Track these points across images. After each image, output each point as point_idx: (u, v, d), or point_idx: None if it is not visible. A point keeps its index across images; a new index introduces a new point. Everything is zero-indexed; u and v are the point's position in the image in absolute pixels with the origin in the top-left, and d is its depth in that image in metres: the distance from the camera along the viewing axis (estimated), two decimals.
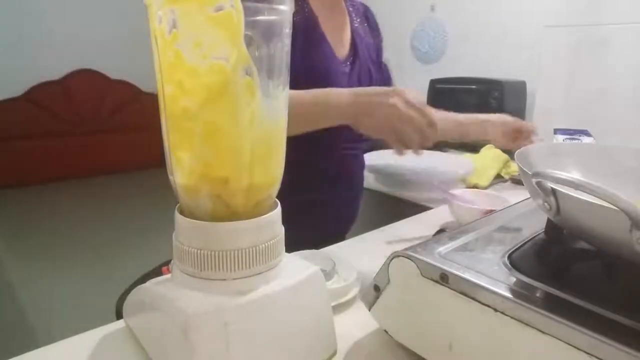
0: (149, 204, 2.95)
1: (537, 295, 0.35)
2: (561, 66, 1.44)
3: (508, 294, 0.34)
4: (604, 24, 1.36)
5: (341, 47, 0.90)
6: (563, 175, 0.33)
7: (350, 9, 0.97)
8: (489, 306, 0.35)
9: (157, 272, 0.85)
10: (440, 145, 1.56)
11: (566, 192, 0.35)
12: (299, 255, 0.52)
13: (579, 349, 0.30)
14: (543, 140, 1.08)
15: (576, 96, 1.40)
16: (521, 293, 0.34)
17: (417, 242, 0.44)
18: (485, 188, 1.05)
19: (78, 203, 3.17)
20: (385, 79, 1.04)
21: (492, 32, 2.17)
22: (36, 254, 2.40)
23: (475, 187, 1.05)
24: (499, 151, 1.19)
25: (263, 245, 0.37)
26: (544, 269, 0.40)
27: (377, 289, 0.43)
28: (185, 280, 0.37)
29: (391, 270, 0.42)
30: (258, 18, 0.35)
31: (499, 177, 1.13)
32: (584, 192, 0.32)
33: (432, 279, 0.39)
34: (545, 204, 0.37)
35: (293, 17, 0.38)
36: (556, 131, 1.30)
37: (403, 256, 0.41)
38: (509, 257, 0.41)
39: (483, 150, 1.24)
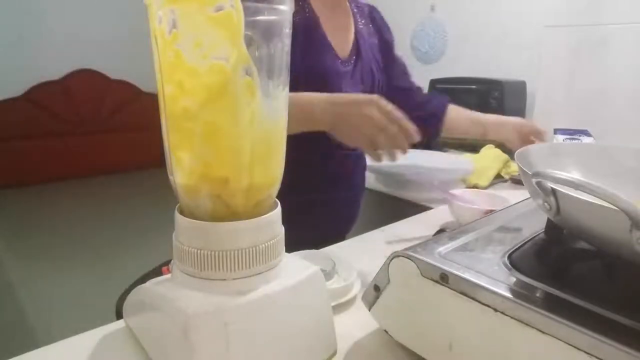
0: (149, 204, 2.95)
1: (537, 295, 0.35)
2: (561, 66, 1.44)
3: (508, 294, 0.34)
4: (604, 24, 1.35)
5: (343, 47, 0.90)
6: (563, 175, 0.33)
7: (355, 10, 0.98)
8: (489, 306, 0.35)
9: (157, 272, 0.85)
10: (440, 145, 1.56)
11: (566, 192, 0.35)
12: (299, 255, 0.52)
13: (579, 349, 0.30)
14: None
15: (576, 96, 1.40)
16: (521, 293, 0.34)
17: (417, 242, 0.44)
18: (485, 188, 1.05)
19: (78, 203, 3.17)
20: (398, 73, 1.05)
21: (492, 32, 2.17)
22: (36, 254, 2.40)
23: (475, 187, 1.05)
24: (499, 151, 1.19)
25: (263, 245, 0.37)
26: (544, 269, 0.40)
27: (377, 289, 0.43)
28: (185, 280, 0.37)
29: (391, 270, 0.42)
30: (258, 18, 0.35)
31: (499, 177, 1.13)
32: (584, 192, 0.32)
33: (432, 279, 0.39)
34: (545, 204, 0.37)
35: (293, 17, 0.38)
36: (556, 131, 1.30)
37: (403, 256, 0.41)
38: (509, 257, 0.41)
39: (483, 150, 1.24)
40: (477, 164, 1.13)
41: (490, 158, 1.16)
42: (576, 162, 0.53)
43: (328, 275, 0.54)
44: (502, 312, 0.34)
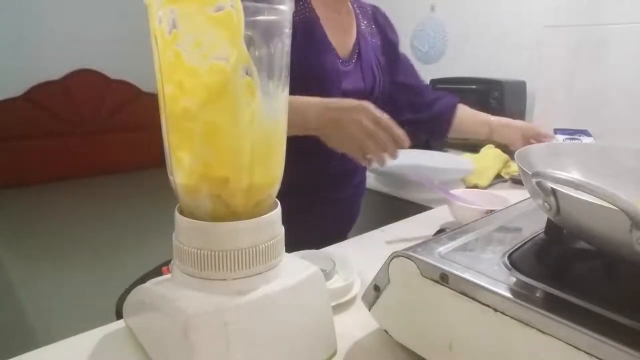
0: (149, 204, 2.95)
1: (537, 295, 0.35)
2: (561, 66, 1.44)
3: (508, 294, 0.34)
4: (604, 24, 1.35)
5: (344, 47, 0.91)
6: (563, 175, 0.33)
7: (358, 10, 0.98)
8: (489, 306, 0.35)
9: (157, 272, 0.85)
10: (440, 145, 1.56)
11: (566, 192, 0.35)
12: (299, 255, 0.52)
13: (579, 349, 0.30)
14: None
15: (576, 96, 1.40)
16: (521, 293, 0.34)
17: (417, 242, 0.44)
18: (485, 188, 1.05)
19: (78, 203, 3.17)
20: (404, 71, 1.06)
21: (492, 32, 2.17)
22: (36, 254, 2.40)
23: (475, 187, 1.05)
24: (499, 151, 1.19)
25: (263, 245, 0.37)
26: (544, 269, 0.40)
27: (377, 289, 0.43)
28: (185, 280, 0.37)
29: (391, 270, 0.42)
30: (258, 18, 0.35)
31: (499, 177, 1.13)
32: (584, 192, 0.32)
33: (432, 279, 0.39)
34: (545, 204, 0.37)
35: (293, 17, 0.38)
36: (556, 131, 1.30)
37: (403, 256, 0.41)
38: (509, 257, 0.41)
39: (483, 150, 1.24)
40: (477, 164, 1.13)
41: (490, 158, 1.16)
42: (576, 162, 0.53)
43: (328, 275, 0.54)
44: (502, 312, 0.34)
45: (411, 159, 1.21)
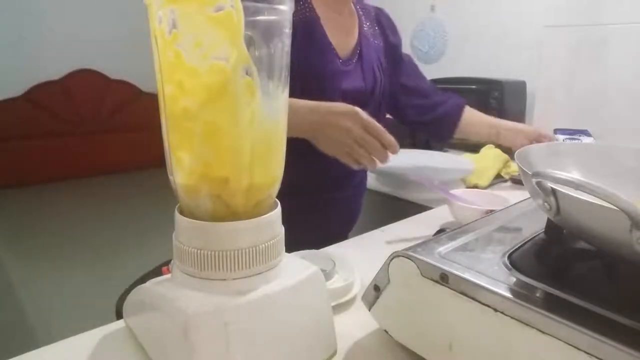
0: (149, 204, 2.95)
1: (537, 295, 0.35)
2: (561, 66, 1.43)
3: (508, 294, 0.34)
4: (604, 24, 1.35)
5: (345, 47, 0.91)
6: (563, 175, 0.33)
7: (361, 12, 0.98)
8: (489, 306, 0.35)
9: (157, 272, 0.85)
10: (440, 145, 1.56)
11: (566, 192, 0.35)
12: (299, 255, 0.52)
13: (579, 349, 0.30)
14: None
15: (576, 96, 1.40)
16: (521, 293, 0.34)
17: (417, 242, 0.44)
18: (485, 188, 1.04)
19: (78, 203, 3.17)
20: (407, 73, 1.06)
21: (492, 32, 2.17)
22: (36, 254, 2.40)
23: (475, 187, 1.05)
24: (499, 151, 1.19)
25: (263, 245, 0.37)
26: (544, 269, 0.40)
27: (377, 289, 0.43)
28: (185, 280, 0.37)
29: (391, 270, 0.42)
30: (258, 18, 0.35)
31: (499, 177, 1.13)
32: (584, 192, 0.32)
33: (432, 279, 0.39)
34: (545, 204, 0.37)
35: (293, 17, 0.38)
36: (556, 131, 1.30)
37: (403, 256, 0.41)
38: (509, 257, 0.41)
39: (483, 150, 1.24)
40: (477, 164, 1.13)
41: (490, 158, 1.16)
42: (576, 162, 0.53)
43: (328, 275, 0.54)
44: (502, 312, 0.34)
45: (411, 159, 1.21)
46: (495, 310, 0.34)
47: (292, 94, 0.44)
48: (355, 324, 0.48)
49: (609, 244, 0.35)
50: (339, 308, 0.51)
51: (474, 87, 1.74)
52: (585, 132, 1.29)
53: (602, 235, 0.35)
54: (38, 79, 3.57)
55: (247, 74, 0.35)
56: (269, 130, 0.38)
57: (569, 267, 0.42)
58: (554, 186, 0.36)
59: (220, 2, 0.33)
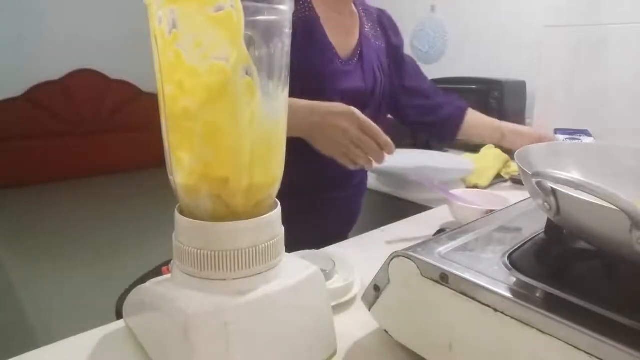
0: (149, 204, 2.95)
1: (537, 295, 0.35)
2: (561, 66, 1.43)
3: (508, 294, 0.34)
4: (604, 24, 1.35)
5: (345, 48, 0.91)
6: (563, 175, 0.33)
7: (363, 13, 0.98)
8: (489, 306, 0.35)
9: (157, 272, 0.85)
10: (440, 145, 1.56)
11: (566, 192, 0.35)
12: (299, 255, 0.52)
13: (579, 349, 0.30)
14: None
15: (576, 96, 1.40)
16: (521, 293, 0.34)
17: (417, 242, 0.44)
18: (485, 188, 1.04)
19: (78, 203, 3.17)
20: (409, 74, 1.06)
21: (492, 32, 2.17)
22: (36, 254, 2.40)
23: (475, 187, 1.05)
24: (499, 151, 1.19)
25: (263, 245, 0.37)
26: (544, 269, 0.40)
27: (377, 289, 0.43)
28: (185, 280, 0.37)
29: (391, 270, 0.42)
30: (258, 18, 0.35)
31: (499, 177, 1.13)
32: (584, 192, 0.32)
33: (432, 279, 0.39)
34: (545, 204, 0.37)
35: (293, 16, 0.38)
36: (556, 131, 1.30)
37: (403, 256, 0.41)
38: (509, 257, 0.41)
39: (483, 150, 1.24)
40: (477, 164, 1.13)
41: (490, 158, 1.16)
42: (576, 162, 0.53)
43: (328, 275, 0.54)
44: (502, 312, 0.34)
45: (411, 159, 1.21)
46: (495, 310, 0.34)
47: (292, 93, 0.44)
48: (355, 324, 0.48)
49: (609, 244, 0.35)
50: (339, 308, 0.51)
51: (474, 87, 1.74)
52: (585, 132, 1.29)
53: (602, 235, 0.35)
54: (38, 79, 3.57)
55: (247, 74, 0.35)
56: (269, 130, 0.38)
57: (569, 267, 0.42)
58: (554, 186, 0.36)
59: (220, 2, 0.33)
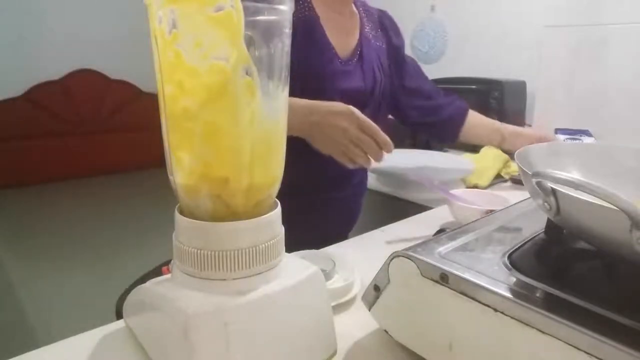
0: (149, 204, 2.95)
1: (537, 295, 0.35)
2: (561, 66, 1.43)
3: (508, 294, 0.34)
4: (604, 24, 1.35)
5: (345, 48, 0.91)
6: (563, 175, 0.33)
7: (363, 14, 0.98)
8: (489, 306, 0.35)
9: (157, 272, 0.85)
10: (441, 145, 1.56)
11: (566, 192, 0.35)
12: (299, 255, 0.52)
13: (579, 349, 0.30)
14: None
15: (576, 96, 1.40)
16: (521, 293, 0.34)
17: (417, 242, 0.44)
18: (485, 188, 1.04)
19: (78, 203, 3.17)
20: (410, 75, 1.07)
21: (492, 32, 2.17)
22: (36, 254, 2.40)
23: (475, 187, 1.05)
24: (499, 151, 1.19)
25: (263, 245, 0.37)
26: (544, 269, 0.40)
27: (377, 289, 0.43)
28: (185, 280, 0.37)
29: (391, 270, 0.42)
30: (258, 18, 0.35)
31: (499, 177, 1.13)
32: (584, 192, 0.32)
33: (432, 279, 0.39)
34: (545, 204, 0.37)
35: (292, 16, 0.38)
36: (557, 131, 1.30)
37: (403, 256, 0.41)
38: (509, 257, 0.41)
39: (483, 150, 1.24)
40: (477, 164, 1.13)
41: (490, 158, 1.16)
42: (576, 162, 0.53)
43: (328, 275, 0.54)
44: (502, 312, 0.34)
45: (411, 159, 1.21)
46: (495, 310, 0.34)
47: (292, 93, 0.44)
48: (355, 324, 0.48)
49: (609, 244, 0.35)
50: (339, 308, 0.51)
51: (474, 87, 1.74)
52: (586, 132, 1.29)
53: (602, 235, 0.35)
54: (38, 79, 3.57)
55: (247, 74, 0.35)
56: (269, 130, 0.38)
57: (569, 267, 0.42)
58: (554, 186, 0.36)
59: (220, 2, 0.33)
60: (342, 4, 0.92)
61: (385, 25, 1.03)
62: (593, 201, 0.32)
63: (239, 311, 0.36)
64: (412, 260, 0.40)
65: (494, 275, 0.37)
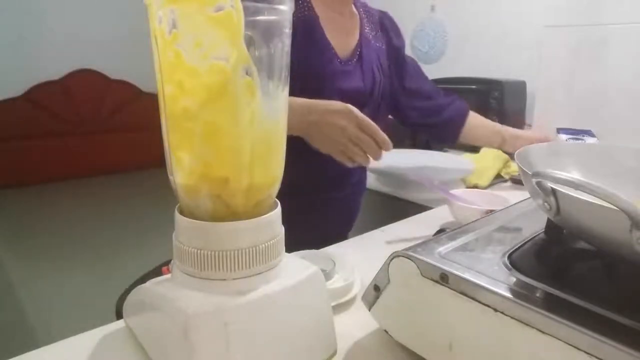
0: (149, 204, 2.95)
1: (537, 295, 0.35)
2: (561, 66, 1.43)
3: (508, 294, 0.34)
4: (604, 24, 1.35)
5: (344, 48, 0.91)
6: (563, 175, 0.33)
7: (363, 15, 0.98)
8: (489, 306, 0.35)
9: (157, 272, 0.85)
10: (440, 145, 1.56)
11: (566, 192, 0.35)
12: (299, 255, 0.52)
13: (579, 349, 0.30)
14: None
15: (576, 96, 1.40)
16: (521, 293, 0.34)
17: (417, 242, 0.44)
18: (485, 188, 1.04)
19: (78, 203, 3.17)
20: (410, 75, 1.07)
21: (492, 32, 2.17)
22: (36, 254, 2.40)
23: (475, 187, 1.05)
24: (499, 151, 1.19)
25: (263, 245, 0.37)
26: (544, 269, 0.40)
27: (377, 289, 0.43)
28: (185, 280, 0.37)
29: (391, 270, 0.42)
30: (258, 18, 0.35)
31: (499, 177, 1.13)
32: (584, 192, 0.32)
33: (432, 279, 0.39)
34: (545, 204, 0.37)
35: (292, 16, 0.38)
36: (559, 131, 1.30)
37: (403, 256, 0.41)
38: (509, 257, 0.41)
39: (483, 150, 1.24)
40: (477, 164, 1.13)
41: (490, 158, 1.16)
42: (576, 162, 0.53)
43: (328, 275, 0.54)
44: (502, 312, 0.34)
45: (411, 159, 1.21)
46: (495, 310, 0.34)
47: (292, 93, 0.44)
48: (355, 324, 0.48)
49: (609, 244, 0.35)
50: (339, 308, 0.51)
51: (474, 87, 1.74)
52: (588, 133, 1.29)
53: (602, 235, 0.35)
54: (38, 79, 3.57)
55: (247, 74, 0.35)
56: (269, 130, 0.38)
57: (569, 267, 0.42)
58: (554, 186, 0.36)
59: (220, 2, 0.33)
60: (341, 4, 0.92)
61: (385, 26, 1.03)
62: (593, 201, 0.32)
63: (239, 311, 0.36)
64: (412, 260, 0.40)
65: (494, 275, 0.37)
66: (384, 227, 0.80)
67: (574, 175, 0.42)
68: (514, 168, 1.14)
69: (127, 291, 0.50)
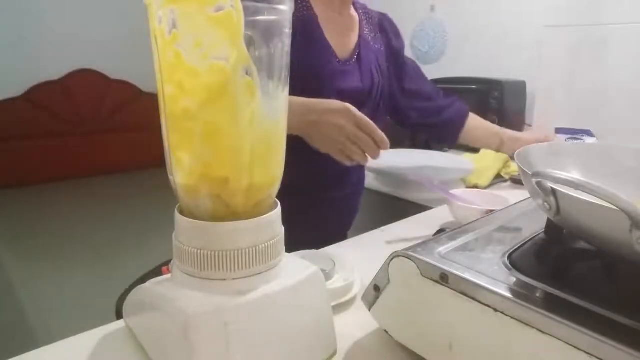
0: (149, 204, 2.95)
1: (537, 295, 0.35)
2: (561, 66, 1.43)
3: (508, 294, 0.34)
4: (604, 24, 1.35)
5: (343, 49, 0.91)
6: (563, 175, 0.33)
7: (363, 16, 0.98)
8: (489, 306, 0.35)
9: (157, 272, 0.85)
10: (440, 145, 1.56)
11: (566, 192, 0.35)
12: (299, 255, 0.52)
13: (579, 349, 0.30)
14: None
15: (576, 96, 1.40)
16: (521, 293, 0.34)
17: (417, 242, 0.44)
18: (485, 188, 1.05)
19: (78, 203, 3.17)
20: (410, 76, 1.07)
21: (492, 32, 2.17)
22: (36, 254, 2.40)
23: (475, 187, 1.05)
24: None
25: (263, 245, 0.37)
26: (544, 269, 0.40)
27: (377, 289, 0.43)
28: (185, 280, 0.37)
29: (391, 270, 0.42)
30: (258, 18, 0.35)
31: (499, 177, 1.13)
32: (584, 192, 0.32)
33: (432, 279, 0.39)
34: (545, 204, 0.37)
35: (292, 16, 0.38)
36: (558, 130, 1.30)
37: (403, 256, 0.41)
38: (509, 257, 0.41)
39: (483, 150, 1.24)
40: (477, 164, 1.13)
41: (490, 158, 1.16)
42: (576, 162, 0.53)
43: (328, 275, 0.54)
44: (502, 312, 0.34)
45: (411, 159, 1.21)
46: (495, 310, 0.34)
47: (292, 93, 0.44)
48: (355, 324, 0.48)
49: (609, 244, 0.35)
50: (339, 308, 0.51)
51: (474, 87, 1.74)
52: (588, 132, 1.29)
53: (602, 235, 0.35)
54: (38, 79, 3.57)
55: (247, 74, 0.35)
56: (269, 130, 0.38)
57: (569, 267, 0.42)
58: (554, 186, 0.36)
59: (220, 2, 0.33)
60: (341, 4, 0.92)
61: (385, 28, 1.03)
62: (593, 201, 0.32)
63: (239, 311, 0.36)
64: (412, 260, 0.40)
65: (494, 275, 0.37)
66: (384, 227, 0.80)
67: (574, 175, 0.42)
68: (514, 168, 1.14)
69: (127, 291, 0.50)
